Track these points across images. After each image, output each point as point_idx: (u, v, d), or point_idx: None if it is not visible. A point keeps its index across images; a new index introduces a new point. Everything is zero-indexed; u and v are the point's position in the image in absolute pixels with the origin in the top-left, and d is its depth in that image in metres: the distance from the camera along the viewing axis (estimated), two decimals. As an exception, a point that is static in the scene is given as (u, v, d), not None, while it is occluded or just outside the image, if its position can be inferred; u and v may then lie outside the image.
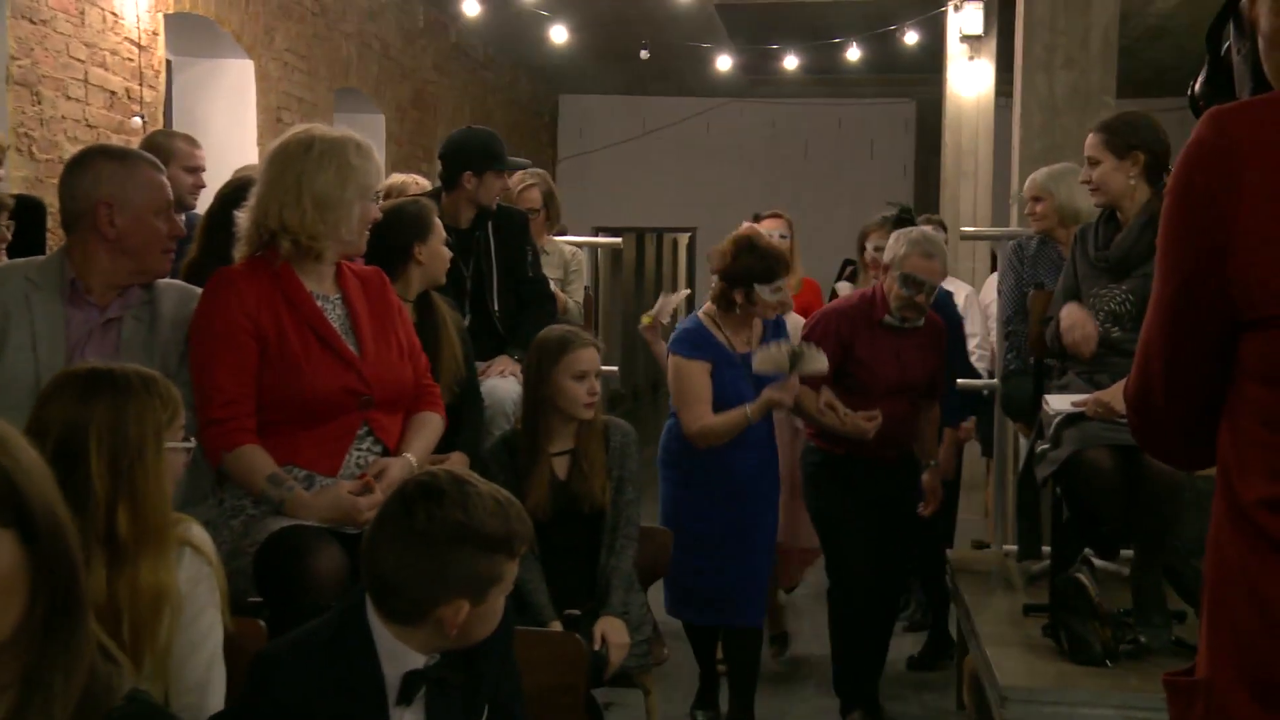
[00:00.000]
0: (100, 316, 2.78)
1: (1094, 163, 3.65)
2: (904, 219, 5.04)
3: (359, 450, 2.86)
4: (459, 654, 2.03)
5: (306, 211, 2.78)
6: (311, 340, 2.80)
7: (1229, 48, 1.59)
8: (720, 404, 4.15)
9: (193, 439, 2.17)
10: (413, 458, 2.87)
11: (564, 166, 13.73)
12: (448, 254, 3.60)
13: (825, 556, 4.52)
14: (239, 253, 2.88)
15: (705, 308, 4.32)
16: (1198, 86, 1.68)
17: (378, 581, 1.97)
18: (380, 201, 3.13)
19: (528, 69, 12.32)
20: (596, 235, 9.07)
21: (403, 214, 3.54)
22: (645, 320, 5.03)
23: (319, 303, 2.86)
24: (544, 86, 13.28)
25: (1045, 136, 4.99)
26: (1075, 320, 3.57)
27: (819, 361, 4.01)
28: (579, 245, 5.65)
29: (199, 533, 2.14)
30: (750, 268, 4.16)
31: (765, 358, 4.03)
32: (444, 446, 3.41)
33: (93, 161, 2.81)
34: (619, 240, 6.18)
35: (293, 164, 2.80)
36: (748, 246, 4.19)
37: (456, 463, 3.39)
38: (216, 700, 2.05)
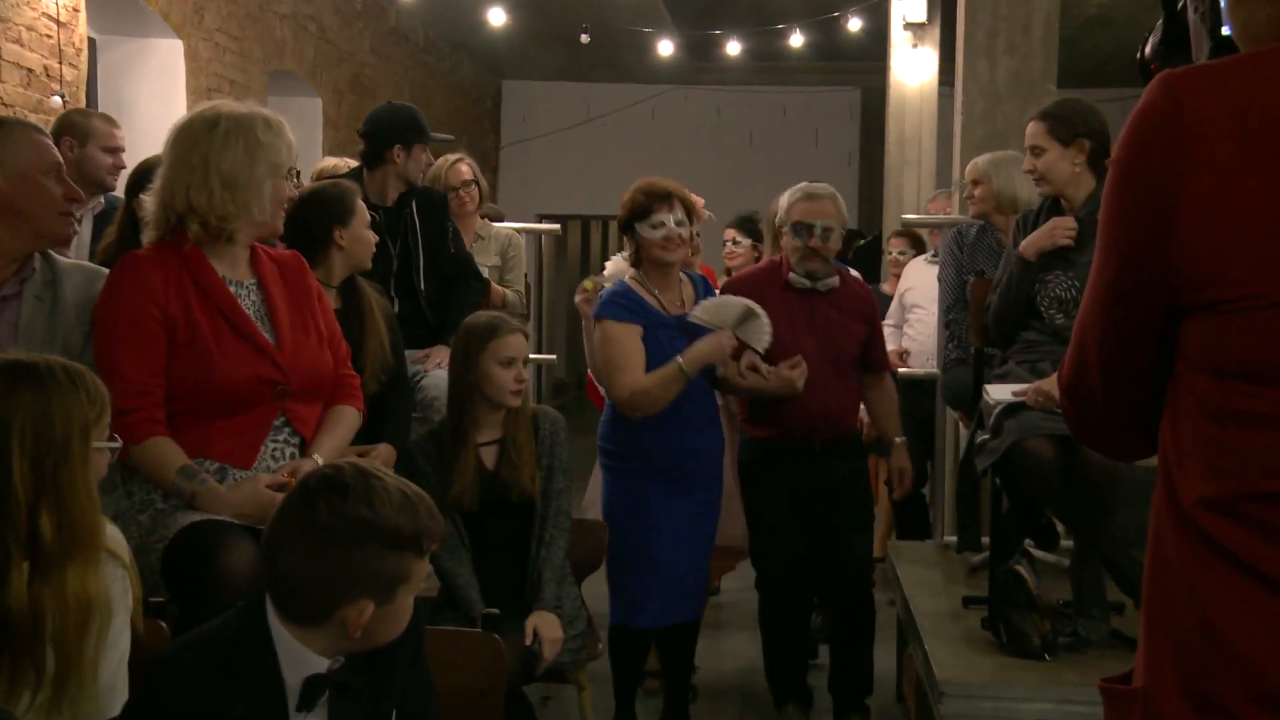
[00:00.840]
0: None
1: (1038, 151, 3.60)
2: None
3: (275, 442, 2.75)
4: (364, 657, 1.93)
5: (214, 192, 2.65)
6: (223, 327, 2.68)
7: (1184, 4, 1.46)
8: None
9: (117, 438, 2.04)
10: (321, 460, 2.76)
11: (507, 153, 13.60)
12: (372, 237, 3.49)
13: (750, 551, 4.28)
14: (146, 237, 2.75)
15: (629, 273, 3.95)
16: (1148, 49, 1.54)
17: (278, 581, 1.87)
18: (299, 182, 3.01)
19: (470, 53, 12.17)
20: (540, 223, 8.99)
21: (322, 197, 3.42)
22: (588, 285, 4.50)
23: (232, 288, 2.74)
24: (486, 72, 13.13)
25: (987, 123, 4.94)
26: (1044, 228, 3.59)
27: (763, 332, 3.75)
28: (521, 231, 5.57)
29: (113, 533, 2.02)
30: (631, 207, 3.84)
31: (711, 306, 3.77)
32: (371, 437, 3.32)
33: None
34: (557, 227, 6.11)
35: (198, 143, 2.67)
36: (632, 188, 3.90)
37: (382, 455, 3.31)
38: (121, 699, 1.94)
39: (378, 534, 1.82)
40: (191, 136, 2.69)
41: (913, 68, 9.00)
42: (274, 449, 2.74)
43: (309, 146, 7.91)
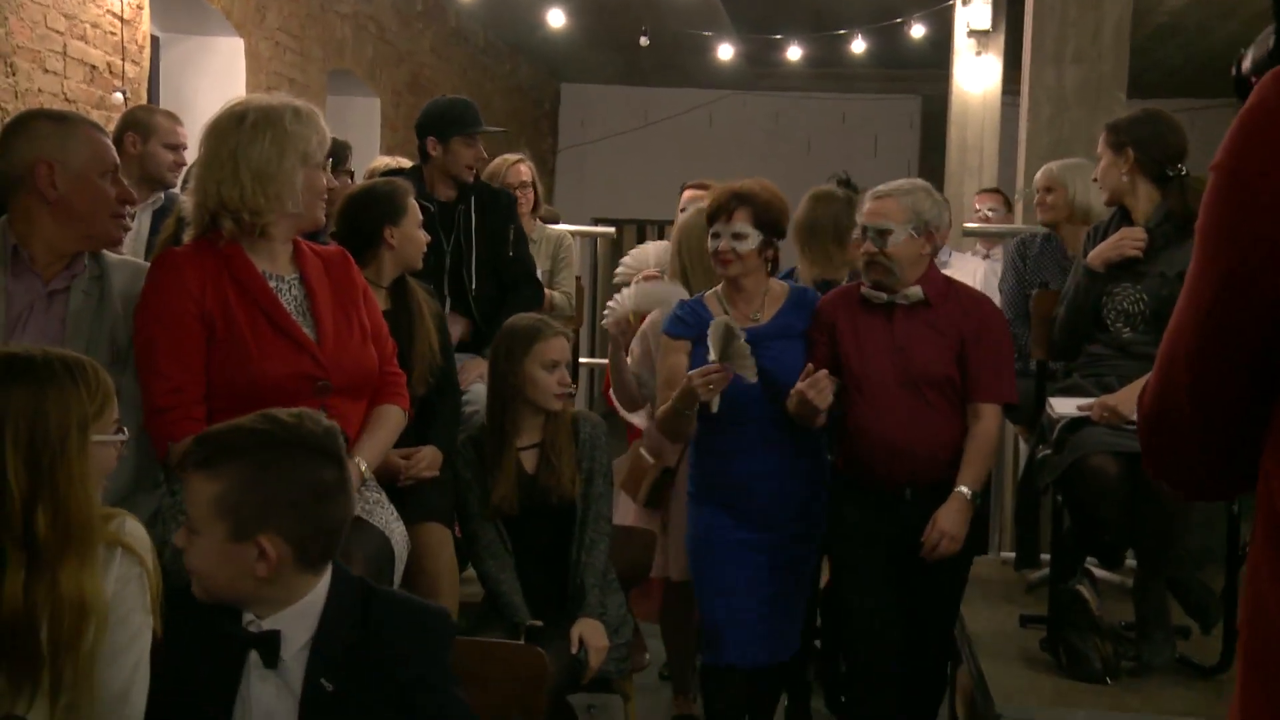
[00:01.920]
0: (44, 288, 2.63)
1: (1098, 159, 3.57)
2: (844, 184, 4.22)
3: None
4: (346, 620, 1.96)
5: (245, 186, 2.62)
6: (262, 323, 2.65)
7: None
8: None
9: (124, 431, 2.00)
10: (363, 462, 2.71)
11: (564, 156, 13.57)
12: (423, 237, 3.45)
13: (833, 614, 3.87)
14: (186, 235, 2.73)
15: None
16: (1247, 63, 1.39)
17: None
18: (347, 177, 2.97)
19: (528, 55, 12.16)
20: (595, 226, 8.95)
21: (373, 194, 3.39)
22: (616, 306, 4.06)
23: (272, 283, 2.70)
24: (545, 74, 13.11)
25: (1053, 131, 4.83)
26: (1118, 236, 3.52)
27: (746, 366, 3.25)
28: (575, 234, 5.53)
29: (133, 528, 1.98)
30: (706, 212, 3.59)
31: (715, 325, 3.29)
32: (418, 440, 3.28)
33: (29, 122, 2.67)
34: (611, 230, 6.06)
35: (226, 138, 2.64)
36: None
37: (428, 458, 3.28)
38: (136, 710, 1.89)
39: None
40: (220, 132, 2.66)
41: (976, 75, 8.88)
42: (317, 449, 2.69)
43: (367, 146, 7.92)
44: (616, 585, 3.46)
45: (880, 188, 3.43)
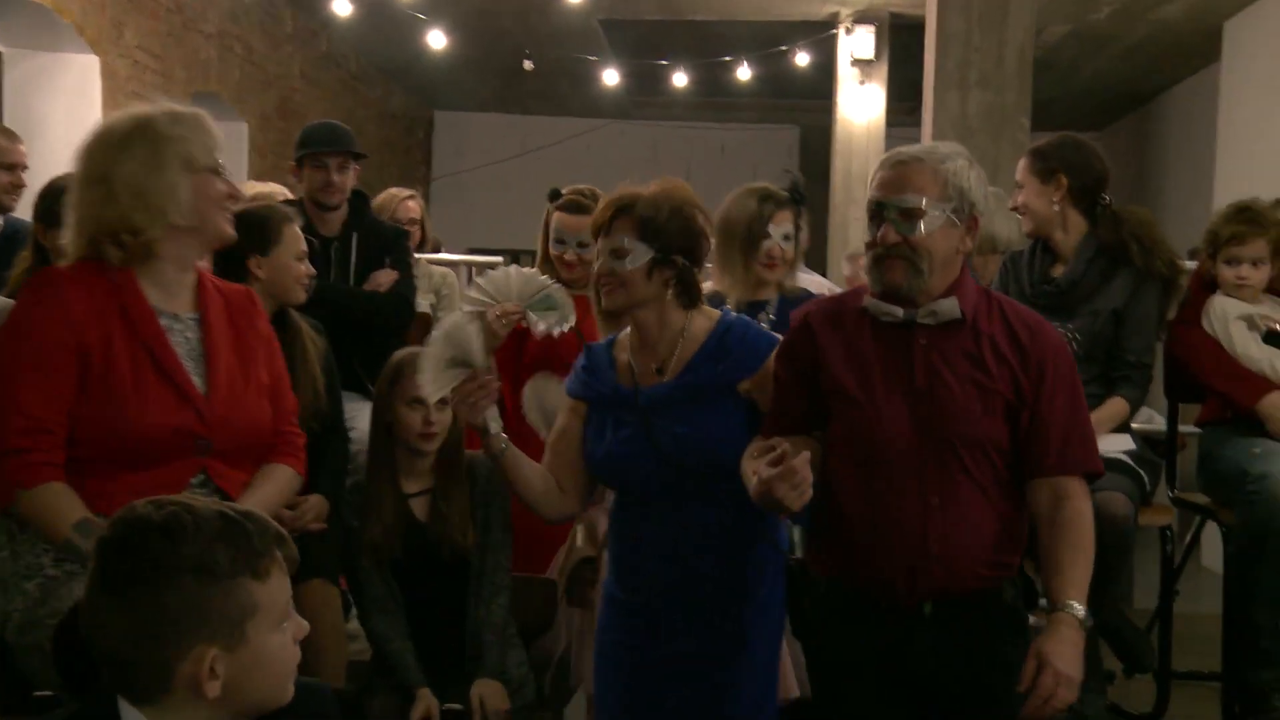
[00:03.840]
0: None
1: (1020, 187, 3.41)
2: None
3: None
4: None
5: (122, 203, 2.31)
6: (146, 365, 2.33)
7: None
8: (590, 465, 2.63)
9: None
10: None
11: (439, 185, 13.26)
12: (302, 269, 3.14)
13: None
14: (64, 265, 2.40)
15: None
16: None
17: (106, 659, 1.59)
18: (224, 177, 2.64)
19: (402, 82, 11.85)
20: (475, 256, 8.68)
21: (241, 221, 3.06)
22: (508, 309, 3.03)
23: (164, 321, 2.38)
24: (419, 101, 12.81)
25: (958, 157, 4.72)
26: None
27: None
28: (453, 264, 5.32)
29: None
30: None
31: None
32: (302, 489, 2.98)
33: None
34: (498, 259, 5.83)
35: (96, 155, 2.35)
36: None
37: (314, 508, 3.02)
38: None
39: (189, 566, 1.54)
40: (90, 150, 2.37)
41: (860, 105, 8.88)
42: (190, 509, 2.38)
43: (233, 173, 7.52)
44: (517, 641, 3.24)
45: (904, 150, 2.34)
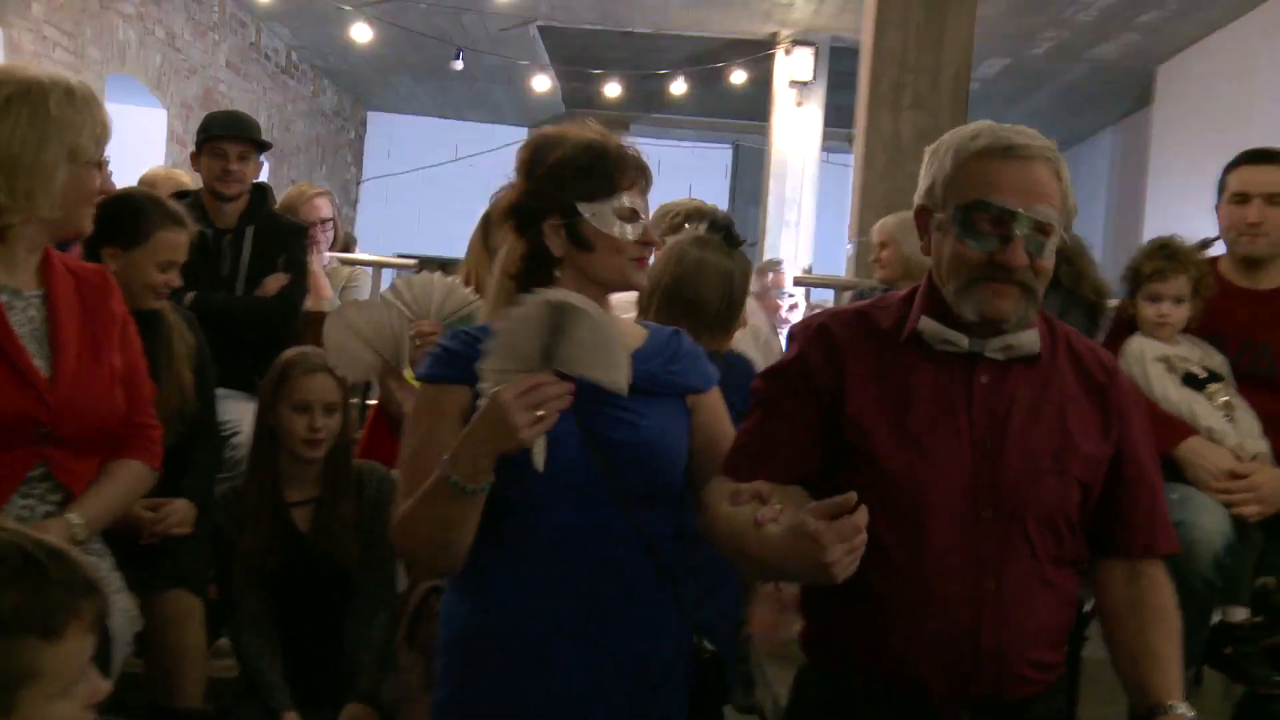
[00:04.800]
0: None
1: None
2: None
3: (28, 497, 2.17)
4: None
5: None
6: None
7: None
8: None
9: None
10: (77, 518, 2.19)
11: (368, 187, 13.03)
12: (158, 279, 2.87)
13: None
14: None
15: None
16: None
17: None
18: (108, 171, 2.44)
19: (335, 79, 11.61)
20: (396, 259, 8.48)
21: (112, 204, 2.80)
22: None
23: (3, 298, 2.16)
24: (351, 101, 12.56)
25: (889, 180, 4.63)
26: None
27: (608, 353, 1.79)
28: (374, 264, 5.15)
29: None
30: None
31: (530, 306, 1.82)
32: (169, 491, 2.77)
33: None
34: (413, 262, 5.65)
35: None
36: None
37: (179, 511, 2.82)
38: None
39: None
40: None
41: (796, 126, 8.82)
42: (24, 506, 2.16)
43: (150, 161, 7.27)
44: (397, 664, 3.03)
45: (1017, 134, 1.81)
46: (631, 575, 1.91)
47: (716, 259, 2.75)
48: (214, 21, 8.85)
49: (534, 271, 1.97)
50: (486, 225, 3.04)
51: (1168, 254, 3.21)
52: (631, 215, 1.96)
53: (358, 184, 12.95)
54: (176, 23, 8.19)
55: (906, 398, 1.85)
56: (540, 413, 1.72)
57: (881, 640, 1.84)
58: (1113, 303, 3.49)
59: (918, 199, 1.91)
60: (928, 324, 1.86)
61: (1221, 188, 3.31)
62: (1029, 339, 1.86)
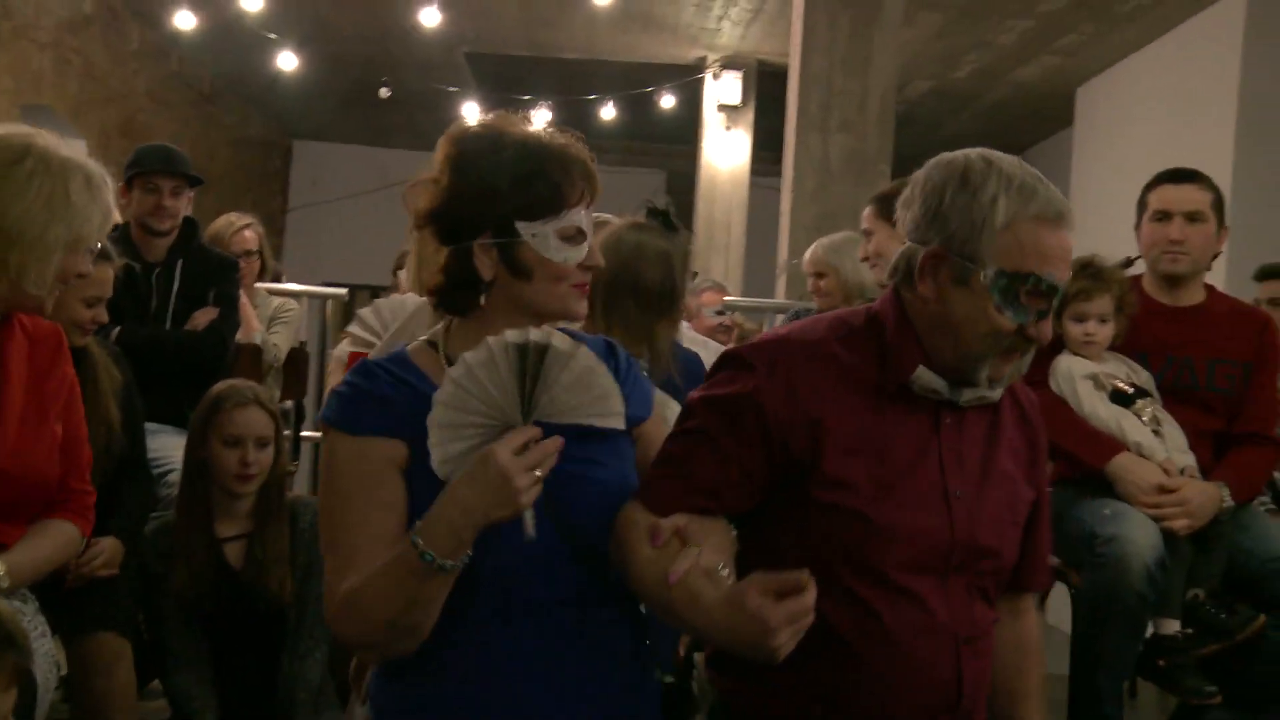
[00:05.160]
0: None
1: (869, 234, 3.34)
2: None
3: None
4: None
5: None
6: None
7: None
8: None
9: None
10: (1, 567, 2.13)
11: (295, 216, 12.88)
12: (84, 315, 2.84)
13: None
14: None
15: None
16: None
17: None
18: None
19: (259, 108, 11.47)
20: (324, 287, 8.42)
21: None
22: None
23: None
24: (277, 129, 12.43)
25: (818, 203, 4.67)
26: None
27: (601, 390, 1.64)
28: (299, 295, 5.10)
29: None
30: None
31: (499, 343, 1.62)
32: (95, 531, 2.70)
33: None
34: (343, 291, 5.61)
35: None
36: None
37: (107, 551, 2.77)
38: None
39: None
40: None
41: (725, 150, 8.86)
42: (-49, 566, 2.10)
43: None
44: (335, 701, 3.01)
45: (1059, 201, 1.75)
46: (608, 647, 1.72)
47: (655, 240, 2.65)
48: (133, 50, 8.72)
49: (456, 292, 1.72)
50: None
51: (1091, 273, 3.26)
52: (577, 236, 1.71)
53: (284, 213, 12.80)
54: (94, 51, 8.06)
55: (884, 448, 1.74)
56: (538, 473, 1.53)
57: (854, 700, 1.71)
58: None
59: (934, 237, 1.75)
60: (927, 376, 1.75)
61: (1142, 206, 3.37)
62: (998, 393, 1.81)
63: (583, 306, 1.77)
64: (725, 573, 1.59)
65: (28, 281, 2.12)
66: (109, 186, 2.22)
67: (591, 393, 1.61)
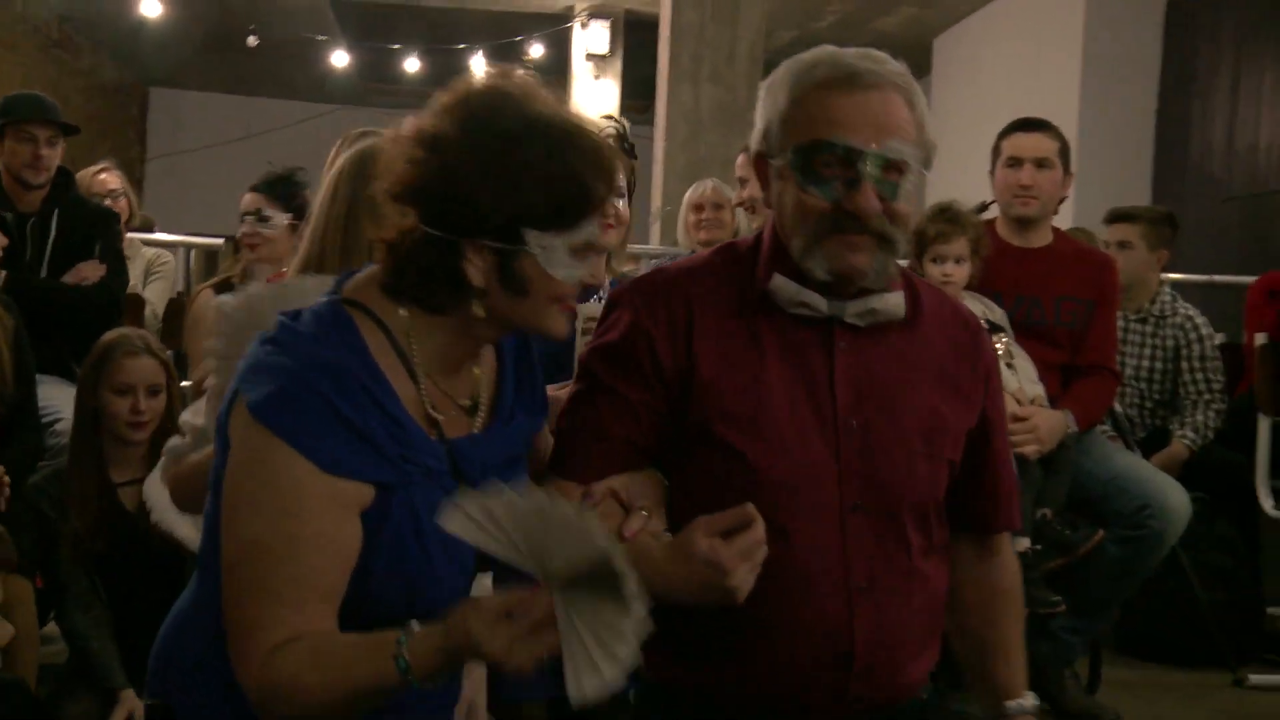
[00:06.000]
0: None
1: (743, 182, 3.47)
2: None
3: None
4: None
5: None
6: None
7: None
8: (398, 584, 1.41)
9: None
10: None
11: (154, 166, 12.55)
12: None
13: None
14: None
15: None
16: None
17: None
18: None
19: (113, 54, 11.12)
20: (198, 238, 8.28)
21: None
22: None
23: None
24: (132, 76, 12.06)
25: (690, 150, 4.80)
26: None
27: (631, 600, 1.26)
28: (174, 245, 5.05)
29: None
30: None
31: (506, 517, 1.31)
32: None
33: None
34: (219, 241, 5.53)
35: None
36: None
37: None
38: None
39: None
40: None
41: (594, 99, 8.93)
42: None
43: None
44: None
45: (862, 59, 1.59)
46: None
47: None
48: (-20, -7, 8.41)
49: (424, 283, 1.39)
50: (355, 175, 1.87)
51: (949, 218, 3.44)
52: (587, 251, 1.42)
53: (142, 163, 12.46)
54: (-61, -6, 7.76)
55: (760, 373, 1.59)
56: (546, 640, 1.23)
57: (742, 654, 1.60)
58: (902, 263, 3.72)
59: (754, 144, 1.67)
60: (781, 282, 1.60)
61: (995, 153, 3.57)
62: (894, 301, 1.63)
63: (564, 327, 1.47)
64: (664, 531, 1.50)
65: None
66: None
67: (597, 574, 1.24)
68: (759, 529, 1.36)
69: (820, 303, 1.60)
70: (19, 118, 3.73)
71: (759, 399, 1.59)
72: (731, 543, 1.35)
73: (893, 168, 1.56)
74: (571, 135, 1.39)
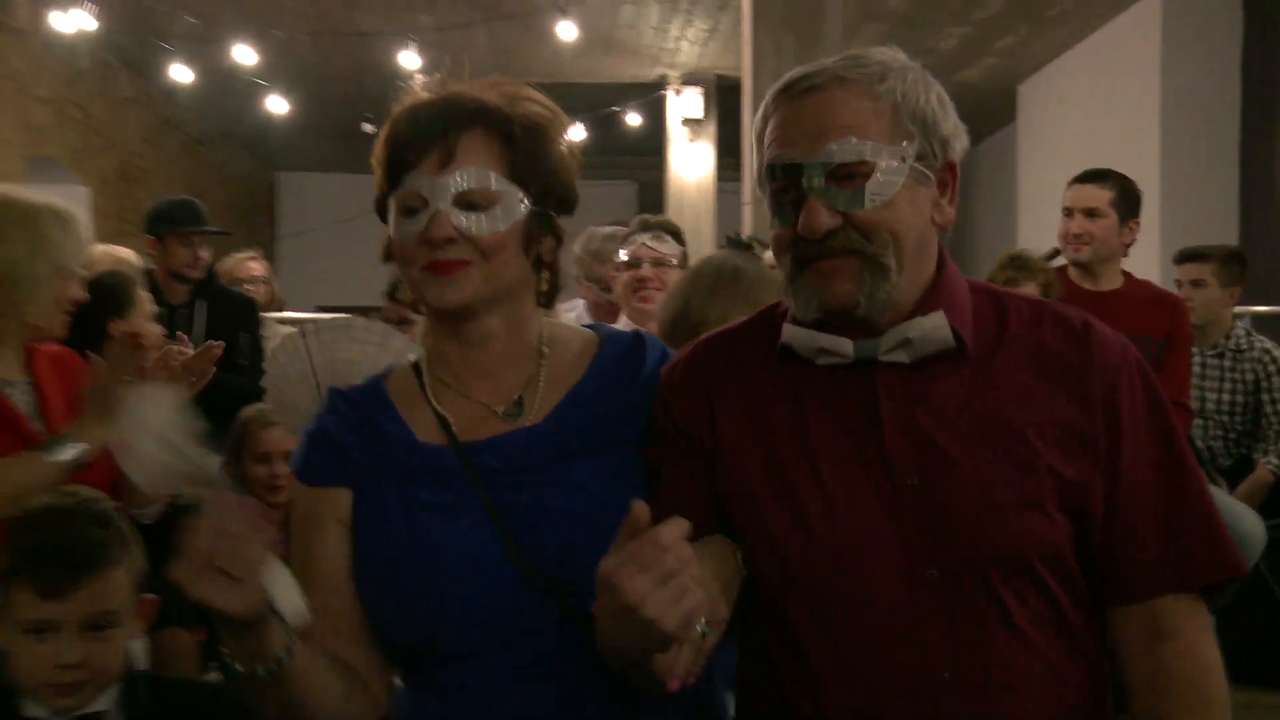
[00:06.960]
0: None
1: None
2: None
3: None
4: None
5: None
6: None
7: None
8: (411, 597, 1.37)
9: None
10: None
11: (283, 245, 13.23)
12: (155, 330, 3.30)
13: None
14: None
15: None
16: None
17: None
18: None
19: (244, 145, 11.85)
20: (320, 314, 8.76)
21: (98, 287, 3.22)
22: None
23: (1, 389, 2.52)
24: (261, 164, 12.80)
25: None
26: None
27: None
28: (298, 322, 5.43)
29: None
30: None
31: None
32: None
33: None
34: (341, 316, 5.91)
35: None
36: None
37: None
38: None
39: None
40: None
41: (690, 162, 9.25)
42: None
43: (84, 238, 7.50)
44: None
45: (808, 69, 1.36)
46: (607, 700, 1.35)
47: (762, 267, 2.27)
48: (125, 98, 9.11)
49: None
50: None
51: (1018, 264, 3.67)
52: (418, 203, 1.37)
53: (273, 242, 13.15)
54: (91, 102, 8.45)
55: (789, 436, 1.37)
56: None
57: (778, 687, 1.37)
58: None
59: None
60: (791, 332, 1.38)
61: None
62: (931, 325, 1.33)
63: (451, 294, 1.37)
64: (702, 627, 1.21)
65: (30, 312, 2.47)
66: (78, 219, 2.57)
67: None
68: (669, 531, 1.11)
69: (842, 345, 1.35)
70: (180, 227, 4.16)
71: (787, 470, 1.35)
72: (626, 552, 1.11)
73: (841, 173, 1.30)
74: (407, 99, 1.48)
